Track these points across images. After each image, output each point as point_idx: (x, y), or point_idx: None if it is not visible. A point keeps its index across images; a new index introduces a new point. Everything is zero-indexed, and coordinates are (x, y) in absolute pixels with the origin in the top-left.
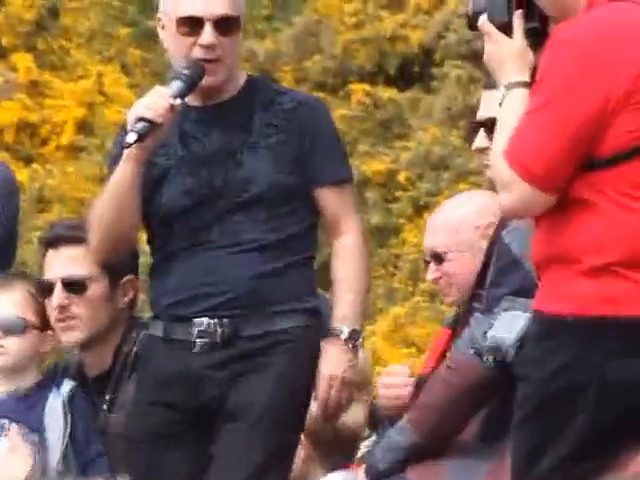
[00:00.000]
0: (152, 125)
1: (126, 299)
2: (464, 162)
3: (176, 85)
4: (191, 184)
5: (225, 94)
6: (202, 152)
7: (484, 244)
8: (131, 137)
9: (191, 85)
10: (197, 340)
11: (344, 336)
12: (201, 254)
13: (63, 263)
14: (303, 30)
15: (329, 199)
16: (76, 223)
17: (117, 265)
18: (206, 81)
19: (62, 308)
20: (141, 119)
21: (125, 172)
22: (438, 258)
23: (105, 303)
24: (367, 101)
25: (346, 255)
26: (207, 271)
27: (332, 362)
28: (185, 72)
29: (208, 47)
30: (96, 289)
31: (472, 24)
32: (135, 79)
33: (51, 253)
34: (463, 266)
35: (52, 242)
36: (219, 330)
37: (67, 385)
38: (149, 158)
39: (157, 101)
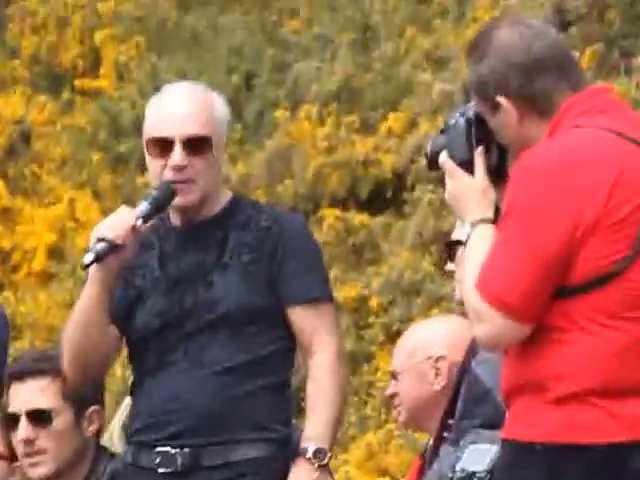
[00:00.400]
0: (112, 246)
1: (92, 429)
2: (436, 288)
3: (142, 206)
4: (163, 305)
5: (204, 214)
6: (176, 273)
7: (432, 375)
8: (88, 257)
9: (158, 206)
10: (159, 469)
11: (308, 455)
12: (167, 377)
13: (28, 395)
14: (275, 154)
15: (301, 319)
16: (41, 354)
17: (82, 396)
18: (178, 201)
19: (28, 442)
20: (101, 239)
21: (89, 294)
22: (394, 376)
23: (71, 434)
24: (339, 226)
25: (316, 374)
26: (170, 396)
27: None
28: (153, 193)
29: (178, 168)
30: (62, 421)
31: (432, 163)
32: (107, 204)
33: (16, 385)
34: (410, 389)
35: (17, 375)
36: (179, 459)
37: None
38: (127, 278)
39: (118, 221)
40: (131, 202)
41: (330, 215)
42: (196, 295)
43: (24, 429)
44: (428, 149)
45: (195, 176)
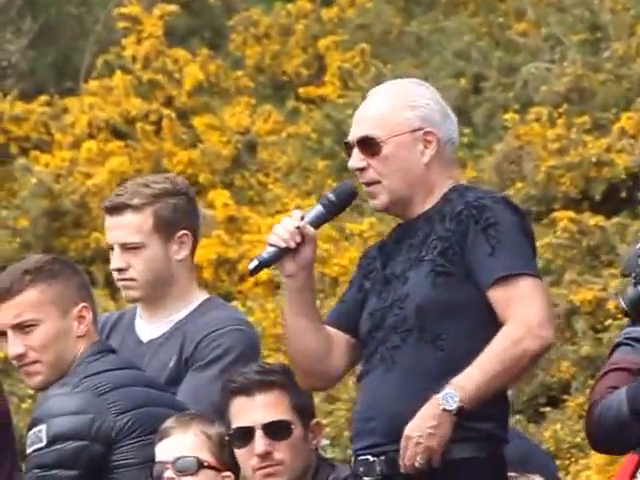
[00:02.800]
0: (278, 250)
1: (315, 441)
2: None
3: (316, 209)
4: (375, 306)
5: (415, 210)
6: (389, 272)
7: None
8: (252, 264)
9: (332, 209)
10: (364, 478)
11: (439, 395)
12: (368, 382)
13: (261, 409)
14: (505, 157)
15: (496, 300)
16: (262, 367)
17: (307, 408)
18: (371, 203)
19: (265, 455)
20: (270, 245)
21: (287, 301)
22: None
23: (302, 446)
24: (573, 228)
25: (493, 341)
26: (368, 403)
27: (415, 421)
28: (330, 196)
29: (356, 170)
30: (296, 433)
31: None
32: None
33: (243, 400)
34: None
35: (244, 390)
36: (377, 467)
37: None
38: (360, 282)
39: (283, 225)
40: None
41: (564, 217)
42: (394, 293)
43: (261, 443)
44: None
45: (379, 176)
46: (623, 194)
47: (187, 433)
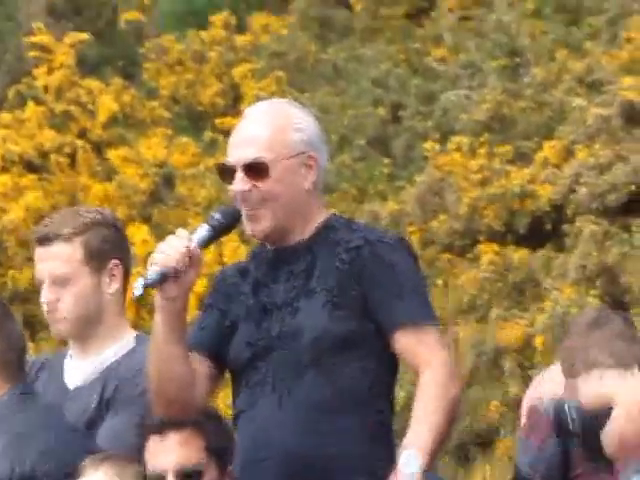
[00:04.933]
0: (164, 272)
1: None
2: None
3: (201, 230)
4: (253, 335)
5: (293, 238)
6: (267, 300)
7: None
8: (138, 289)
9: (218, 231)
10: None
11: (401, 462)
12: (258, 415)
13: (172, 450)
14: (426, 189)
15: (405, 342)
16: None
17: (224, 450)
18: (250, 229)
19: None
20: (154, 265)
21: (156, 324)
22: None
23: None
24: (498, 262)
25: (422, 390)
26: (260, 437)
27: None
28: (216, 216)
29: (241, 194)
30: (208, 478)
31: None
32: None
33: (157, 440)
34: None
35: (156, 428)
36: None
37: None
38: (222, 307)
39: (173, 246)
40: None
41: (488, 251)
42: (282, 323)
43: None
44: None
45: (264, 201)
46: (548, 226)
47: (97, 473)
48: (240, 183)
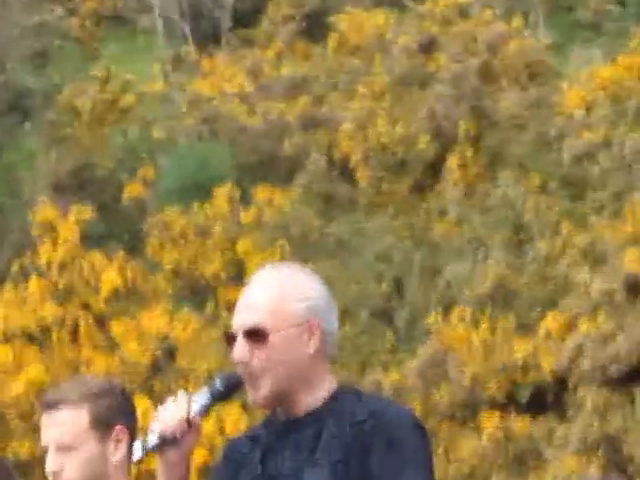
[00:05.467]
0: (163, 439)
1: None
2: None
3: (202, 395)
4: None
5: (300, 405)
6: (274, 470)
7: None
8: (137, 452)
9: (219, 398)
10: None
11: None
12: None
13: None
14: (429, 360)
15: None
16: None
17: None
18: (250, 396)
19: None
20: (153, 430)
21: None
22: None
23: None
24: (498, 434)
25: None
26: None
27: None
28: (217, 384)
29: (240, 360)
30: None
31: None
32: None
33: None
34: None
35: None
36: None
37: None
38: (232, 475)
39: (173, 412)
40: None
41: (489, 421)
42: None
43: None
44: None
45: (262, 368)
46: (549, 398)
47: None
48: (240, 349)
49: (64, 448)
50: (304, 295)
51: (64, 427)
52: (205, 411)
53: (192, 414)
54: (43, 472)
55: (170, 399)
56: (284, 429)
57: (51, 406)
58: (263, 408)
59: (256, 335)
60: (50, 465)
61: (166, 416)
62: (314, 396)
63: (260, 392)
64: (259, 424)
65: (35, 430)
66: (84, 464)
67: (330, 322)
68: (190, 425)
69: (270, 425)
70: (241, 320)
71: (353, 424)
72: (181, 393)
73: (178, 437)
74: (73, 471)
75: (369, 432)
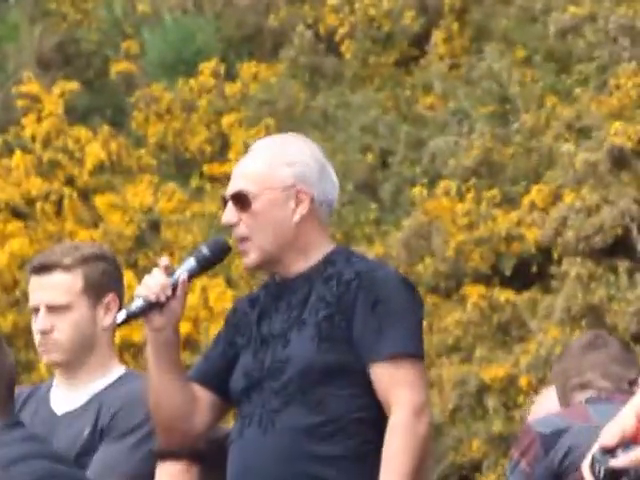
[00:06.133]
0: (147, 303)
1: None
2: None
3: (188, 263)
4: (249, 365)
5: (291, 270)
6: (266, 331)
7: None
8: (120, 317)
9: (205, 264)
10: None
11: None
12: (243, 444)
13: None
14: (413, 232)
15: (379, 378)
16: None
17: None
18: (244, 262)
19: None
20: (138, 297)
21: (151, 357)
22: None
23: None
24: (483, 304)
25: (389, 436)
26: (243, 467)
27: None
28: (204, 250)
29: (227, 224)
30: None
31: None
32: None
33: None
34: None
35: (157, 457)
36: None
37: None
38: (230, 337)
39: (154, 277)
40: None
41: (474, 293)
42: (274, 354)
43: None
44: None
45: (249, 233)
46: (534, 269)
47: None
48: (227, 213)
49: (56, 309)
50: (291, 160)
51: (57, 289)
52: (190, 276)
53: (175, 278)
54: (26, 343)
55: (155, 268)
56: (278, 291)
57: (42, 270)
58: (253, 272)
59: (241, 200)
60: (40, 325)
61: (150, 282)
62: (307, 261)
63: (249, 257)
64: (260, 286)
65: (18, 303)
66: (74, 326)
67: (323, 190)
68: (175, 290)
69: (267, 287)
70: (231, 186)
71: (340, 284)
72: (164, 259)
73: (162, 301)
74: (63, 332)
75: (354, 292)
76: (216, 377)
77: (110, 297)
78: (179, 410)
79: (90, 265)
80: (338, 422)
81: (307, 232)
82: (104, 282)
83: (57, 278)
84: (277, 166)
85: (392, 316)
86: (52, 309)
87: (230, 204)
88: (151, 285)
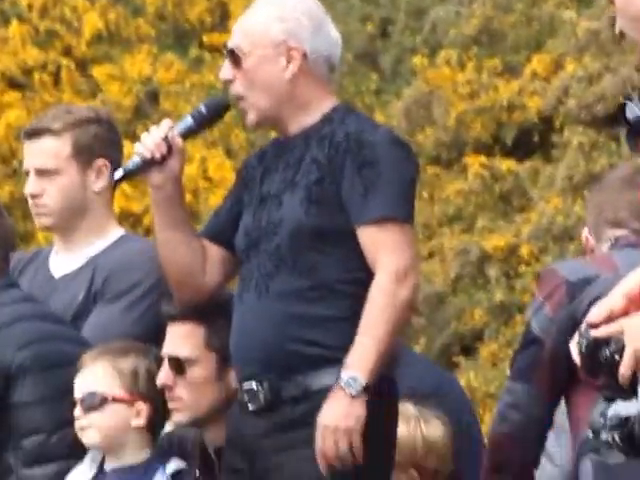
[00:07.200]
0: (143, 160)
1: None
2: None
3: (185, 120)
4: (249, 225)
5: (291, 128)
6: (267, 190)
7: None
8: (117, 174)
9: (202, 121)
10: (249, 406)
11: (342, 383)
12: (242, 307)
13: (171, 341)
14: (414, 102)
15: (365, 240)
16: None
17: (226, 348)
18: (246, 121)
19: (166, 387)
20: (136, 154)
21: (156, 214)
22: None
23: (211, 388)
24: (484, 174)
25: (370, 297)
26: (242, 329)
27: (325, 411)
28: (201, 108)
29: (223, 80)
30: (201, 370)
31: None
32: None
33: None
34: None
35: (165, 317)
36: (261, 395)
37: (173, 464)
38: (238, 195)
39: (150, 135)
40: None
41: (475, 162)
42: (269, 214)
43: (163, 374)
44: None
45: (243, 91)
46: (535, 138)
47: (94, 368)
48: (223, 69)
49: (45, 173)
50: (284, 16)
51: (46, 154)
52: (187, 134)
53: (172, 135)
54: (24, 214)
55: (153, 127)
56: (280, 149)
57: (33, 135)
58: (255, 130)
59: (235, 56)
60: (29, 188)
61: (147, 139)
62: (308, 118)
63: (249, 115)
64: (270, 141)
65: (15, 174)
66: (63, 190)
67: (317, 46)
68: (170, 147)
69: (274, 144)
70: (230, 41)
71: (331, 146)
72: (166, 119)
73: (158, 158)
74: (52, 196)
75: (342, 155)
76: (224, 232)
77: (101, 161)
78: (188, 265)
79: (81, 129)
80: (328, 285)
81: (303, 88)
82: (95, 146)
83: (46, 143)
84: (270, 22)
85: (379, 178)
86: (41, 173)
87: (227, 60)
88: (147, 143)
